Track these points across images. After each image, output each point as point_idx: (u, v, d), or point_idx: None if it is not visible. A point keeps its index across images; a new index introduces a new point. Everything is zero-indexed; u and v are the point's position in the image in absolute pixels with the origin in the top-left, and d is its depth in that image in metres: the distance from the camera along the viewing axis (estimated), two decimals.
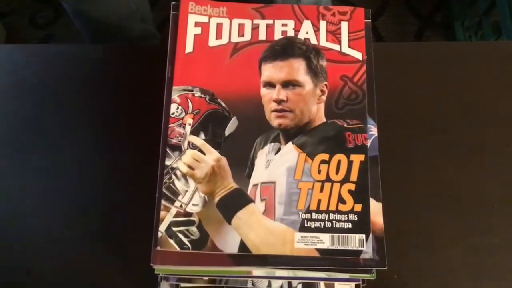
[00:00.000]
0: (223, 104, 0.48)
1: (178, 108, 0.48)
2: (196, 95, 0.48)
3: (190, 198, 0.45)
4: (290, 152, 0.47)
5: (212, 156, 0.46)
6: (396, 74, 0.60)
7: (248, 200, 0.45)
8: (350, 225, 0.45)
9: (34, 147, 0.58)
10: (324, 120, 0.48)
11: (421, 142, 0.58)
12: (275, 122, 0.47)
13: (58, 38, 1.41)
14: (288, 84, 0.48)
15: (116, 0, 1.02)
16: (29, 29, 1.43)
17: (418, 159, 0.57)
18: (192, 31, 0.50)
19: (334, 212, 0.45)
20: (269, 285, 0.49)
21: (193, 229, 0.45)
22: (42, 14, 1.44)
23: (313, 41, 0.51)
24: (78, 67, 0.62)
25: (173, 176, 0.46)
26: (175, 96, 0.48)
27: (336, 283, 0.48)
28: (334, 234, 0.44)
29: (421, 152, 0.58)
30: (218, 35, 0.50)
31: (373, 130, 0.49)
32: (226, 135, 0.47)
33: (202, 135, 0.47)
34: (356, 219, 0.45)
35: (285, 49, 0.49)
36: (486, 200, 0.56)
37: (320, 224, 0.45)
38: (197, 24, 0.51)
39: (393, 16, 1.43)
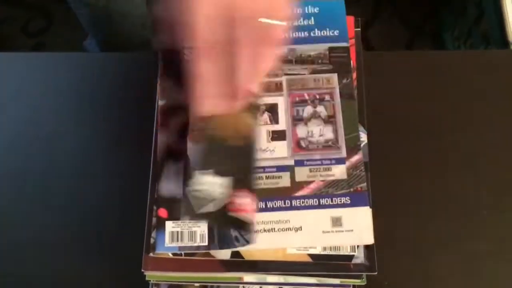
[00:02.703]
0: None
1: None
2: None
3: None
4: None
5: None
6: (386, 82, 0.61)
7: None
8: None
9: (28, 152, 0.58)
10: None
11: (411, 149, 0.58)
12: None
13: (50, 47, 1.41)
14: None
15: (135, 1, 1.02)
16: (21, 37, 1.43)
17: (408, 166, 0.58)
18: None
19: None
20: None
21: None
22: (34, 22, 1.44)
23: None
24: (74, 75, 0.62)
25: None
26: None
27: None
28: None
29: (411, 158, 0.58)
30: None
31: (363, 137, 0.49)
32: None
33: None
34: None
35: None
36: (476, 206, 0.57)
37: None
38: None
39: (383, 27, 1.44)
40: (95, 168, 0.58)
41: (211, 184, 0.44)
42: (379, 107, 0.53)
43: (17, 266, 0.54)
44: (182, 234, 0.44)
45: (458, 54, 0.81)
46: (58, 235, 0.55)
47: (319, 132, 0.48)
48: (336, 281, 0.46)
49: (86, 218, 0.56)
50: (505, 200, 0.57)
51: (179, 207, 0.45)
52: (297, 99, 0.49)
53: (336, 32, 0.52)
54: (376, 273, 0.44)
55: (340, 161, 0.47)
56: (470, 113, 0.60)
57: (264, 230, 0.45)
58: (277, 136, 0.48)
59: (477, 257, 0.55)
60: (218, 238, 0.44)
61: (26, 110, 0.61)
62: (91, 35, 1.17)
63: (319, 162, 0.47)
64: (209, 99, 0.40)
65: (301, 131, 0.48)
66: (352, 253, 0.45)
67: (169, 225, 0.45)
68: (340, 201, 0.46)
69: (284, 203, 0.46)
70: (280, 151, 0.48)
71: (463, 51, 1.20)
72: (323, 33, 0.52)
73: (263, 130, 0.48)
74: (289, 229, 0.45)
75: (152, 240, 0.45)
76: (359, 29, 0.53)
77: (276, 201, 0.46)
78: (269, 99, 0.49)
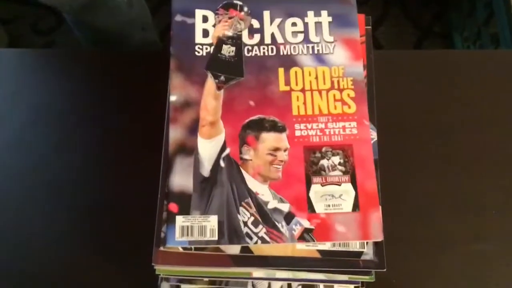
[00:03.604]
0: None
1: None
2: None
3: None
4: None
5: None
6: (396, 81, 0.61)
7: None
8: None
9: (34, 152, 0.59)
10: None
11: (420, 148, 0.59)
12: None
13: (60, 45, 1.41)
14: None
15: (116, 9, 1.03)
16: (31, 36, 1.44)
17: (417, 165, 0.58)
18: None
19: None
20: (269, 286, 0.49)
21: None
22: (44, 21, 1.45)
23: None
24: (79, 73, 0.63)
25: None
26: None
27: (335, 285, 0.49)
28: None
29: (420, 157, 0.58)
30: None
31: (373, 135, 0.49)
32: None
33: None
34: None
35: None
36: (485, 206, 0.57)
37: None
38: None
39: (392, 26, 1.44)
40: (105, 164, 0.59)
41: None
42: (388, 105, 0.54)
43: (25, 264, 0.55)
44: (192, 228, 0.45)
45: (467, 54, 0.81)
46: (69, 229, 0.56)
47: None
48: (345, 277, 0.46)
49: (98, 213, 0.56)
50: None
51: (189, 202, 0.46)
52: None
53: None
54: (385, 269, 0.45)
55: None
56: (479, 113, 0.60)
57: None
58: None
59: (484, 257, 0.55)
60: (228, 233, 0.44)
61: (33, 107, 0.61)
62: (80, 40, 1.18)
63: None
64: None
65: None
66: (361, 250, 0.45)
67: (179, 220, 0.45)
68: None
69: None
70: None
71: (472, 51, 1.19)
72: None
73: None
74: None
75: (162, 234, 0.45)
76: (370, 27, 0.54)
77: None
78: None
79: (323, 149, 0.48)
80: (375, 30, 1.41)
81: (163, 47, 1.24)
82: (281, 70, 0.50)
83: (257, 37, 0.51)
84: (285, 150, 0.47)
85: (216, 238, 0.44)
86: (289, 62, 0.50)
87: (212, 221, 0.45)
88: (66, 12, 1.01)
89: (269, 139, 0.48)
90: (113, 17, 1.04)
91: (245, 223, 0.45)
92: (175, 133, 0.48)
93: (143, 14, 1.14)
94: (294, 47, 0.51)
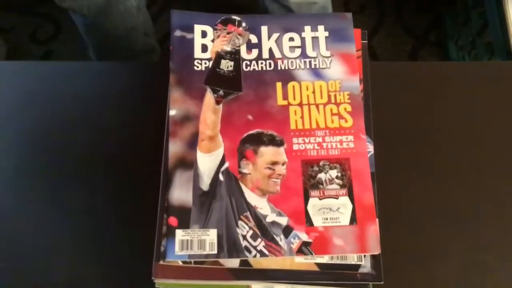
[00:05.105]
0: None
1: None
2: None
3: None
4: None
5: None
6: (392, 92, 0.62)
7: None
8: None
9: (34, 163, 0.59)
10: None
11: (416, 160, 0.59)
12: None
13: (58, 55, 1.42)
14: None
15: (127, 13, 1.06)
16: (30, 45, 1.44)
17: (413, 176, 0.58)
18: None
19: None
20: None
21: None
22: (42, 30, 1.45)
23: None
24: (78, 84, 0.63)
25: None
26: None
27: None
28: None
29: (416, 169, 0.59)
30: None
31: (370, 147, 0.50)
32: None
33: None
34: None
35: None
36: (480, 216, 0.57)
37: None
38: None
39: (388, 35, 1.45)
40: (104, 176, 0.59)
41: None
42: (384, 117, 0.54)
43: (24, 273, 0.55)
44: (192, 242, 0.45)
45: (463, 66, 0.82)
46: (66, 243, 0.56)
47: None
48: None
49: (97, 226, 0.57)
50: (508, 211, 0.57)
51: (189, 216, 0.46)
52: None
53: None
54: (382, 282, 0.45)
55: None
56: (474, 124, 0.61)
57: None
58: None
59: (481, 267, 0.55)
60: (227, 246, 0.45)
61: (32, 118, 0.62)
62: (86, 43, 1.21)
63: None
64: None
65: None
66: (359, 263, 0.46)
67: (179, 234, 0.45)
68: None
69: None
70: None
71: (467, 62, 1.21)
72: None
73: None
74: None
75: (162, 248, 0.45)
76: (366, 41, 0.54)
77: None
78: None
79: (321, 163, 0.48)
80: (370, 39, 1.42)
81: (162, 55, 1.26)
82: (279, 85, 0.51)
83: (255, 52, 0.52)
84: (283, 164, 0.48)
85: (215, 252, 0.45)
86: (286, 76, 0.51)
87: (211, 235, 0.45)
88: (83, 15, 1.04)
89: (267, 153, 0.48)
90: (123, 20, 1.08)
91: (244, 237, 0.46)
92: (174, 147, 0.48)
93: (146, 20, 1.17)
94: (292, 61, 0.52)
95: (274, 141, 0.49)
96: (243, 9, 1.15)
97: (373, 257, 0.46)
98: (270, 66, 0.51)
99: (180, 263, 0.45)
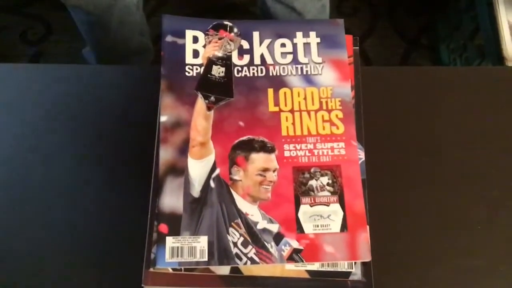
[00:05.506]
0: None
1: None
2: None
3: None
4: None
5: None
6: (383, 98, 0.62)
7: None
8: None
9: (25, 164, 0.59)
10: None
11: (407, 165, 0.59)
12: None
13: (49, 55, 1.41)
14: None
15: (127, 8, 1.07)
16: (20, 46, 1.43)
17: (405, 182, 0.59)
18: None
19: None
20: None
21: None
22: (33, 31, 1.44)
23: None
24: (69, 88, 0.63)
25: None
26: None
27: None
28: None
29: (407, 175, 0.59)
30: None
31: (361, 155, 0.50)
32: None
33: None
34: None
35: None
36: (471, 222, 0.57)
37: None
38: None
39: (380, 38, 1.46)
40: (95, 182, 0.58)
41: None
42: (375, 123, 0.54)
43: (17, 279, 0.55)
44: (182, 249, 0.45)
45: (455, 71, 0.82)
46: (57, 250, 0.56)
47: None
48: None
49: (86, 233, 0.56)
50: (500, 216, 0.58)
51: (180, 223, 0.46)
52: None
53: None
54: None
55: None
56: (465, 129, 0.61)
57: None
58: None
59: (472, 272, 0.55)
60: (218, 254, 0.45)
61: (22, 122, 0.61)
62: (87, 42, 1.22)
63: None
64: None
65: None
66: (349, 270, 0.46)
67: (170, 241, 0.45)
68: None
69: None
70: None
71: (459, 67, 1.21)
72: None
73: None
74: None
75: (152, 255, 0.45)
76: (357, 47, 0.54)
77: None
78: None
79: (312, 170, 0.48)
80: (362, 42, 1.43)
81: (155, 56, 1.25)
82: (270, 91, 0.51)
83: (246, 57, 0.52)
84: (274, 171, 0.48)
85: (206, 259, 0.45)
86: (278, 82, 0.51)
87: (202, 242, 0.45)
88: (88, 13, 1.03)
89: (258, 159, 0.48)
90: (125, 18, 1.08)
91: (235, 244, 0.45)
92: (165, 154, 0.48)
93: (142, 20, 1.18)
94: (283, 68, 0.52)
95: (265, 148, 0.49)
96: (240, 8, 1.15)
97: (364, 264, 0.46)
98: (261, 72, 0.51)
99: (170, 270, 0.45)
